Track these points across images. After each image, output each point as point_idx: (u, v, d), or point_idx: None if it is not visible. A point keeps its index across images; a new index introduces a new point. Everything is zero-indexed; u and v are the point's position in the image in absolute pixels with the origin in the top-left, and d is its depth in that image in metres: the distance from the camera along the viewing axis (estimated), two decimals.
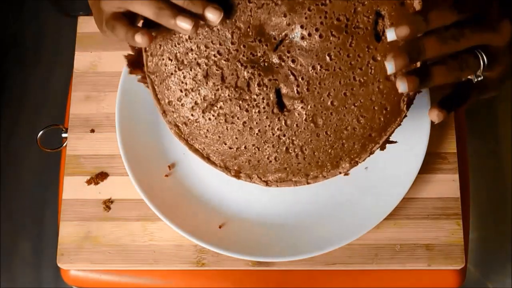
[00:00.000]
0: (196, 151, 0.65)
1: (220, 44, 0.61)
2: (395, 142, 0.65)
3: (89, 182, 0.78)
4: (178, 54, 0.62)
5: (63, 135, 0.81)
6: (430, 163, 0.77)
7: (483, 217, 1.37)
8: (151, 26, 0.61)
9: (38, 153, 1.42)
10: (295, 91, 0.61)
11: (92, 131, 0.80)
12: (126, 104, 0.75)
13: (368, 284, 0.77)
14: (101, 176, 0.78)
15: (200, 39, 0.61)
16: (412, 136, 0.74)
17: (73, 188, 0.78)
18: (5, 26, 1.53)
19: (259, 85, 0.61)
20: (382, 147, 0.64)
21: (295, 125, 0.62)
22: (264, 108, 0.61)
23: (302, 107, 0.61)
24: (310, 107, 0.61)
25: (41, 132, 0.82)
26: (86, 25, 0.85)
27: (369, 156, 0.63)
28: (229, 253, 0.71)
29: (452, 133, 0.79)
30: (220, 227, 0.72)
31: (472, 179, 0.87)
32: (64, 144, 0.81)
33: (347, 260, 0.75)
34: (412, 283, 0.77)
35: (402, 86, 0.55)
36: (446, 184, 0.77)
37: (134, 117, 0.75)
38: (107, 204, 0.77)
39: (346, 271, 0.76)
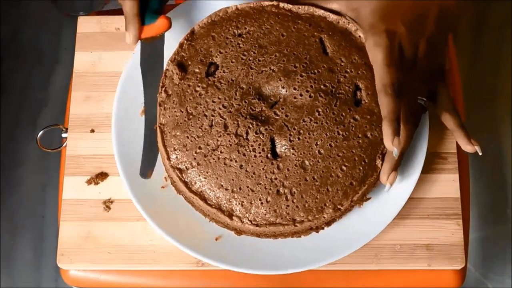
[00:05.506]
0: (193, 192, 0.69)
1: (225, 99, 0.70)
2: (370, 198, 0.72)
3: (89, 182, 0.78)
4: (188, 108, 0.70)
5: (63, 135, 0.81)
6: (430, 163, 0.77)
7: (483, 217, 1.37)
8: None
9: (38, 153, 1.42)
10: (288, 139, 0.69)
11: (92, 131, 0.80)
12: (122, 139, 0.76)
13: (368, 284, 0.77)
14: (101, 176, 0.78)
15: (208, 95, 0.71)
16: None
17: (73, 188, 0.78)
18: (5, 26, 1.53)
19: (256, 133, 0.69)
20: (360, 203, 0.71)
21: (286, 169, 0.68)
22: (260, 153, 0.68)
23: (293, 154, 0.68)
24: (300, 154, 0.68)
25: (41, 132, 0.82)
26: (86, 25, 0.85)
27: (350, 204, 0.69)
28: (227, 266, 0.71)
29: (452, 133, 0.79)
30: (216, 239, 0.73)
31: (472, 179, 0.87)
32: (64, 144, 0.81)
33: (347, 260, 0.75)
34: (412, 283, 0.77)
35: (387, 186, 0.70)
36: (446, 184, 0.77)
37: (131, 133, 0.76)
38: (107, 204, 0.77)
39: (346, 271, 0.76)
